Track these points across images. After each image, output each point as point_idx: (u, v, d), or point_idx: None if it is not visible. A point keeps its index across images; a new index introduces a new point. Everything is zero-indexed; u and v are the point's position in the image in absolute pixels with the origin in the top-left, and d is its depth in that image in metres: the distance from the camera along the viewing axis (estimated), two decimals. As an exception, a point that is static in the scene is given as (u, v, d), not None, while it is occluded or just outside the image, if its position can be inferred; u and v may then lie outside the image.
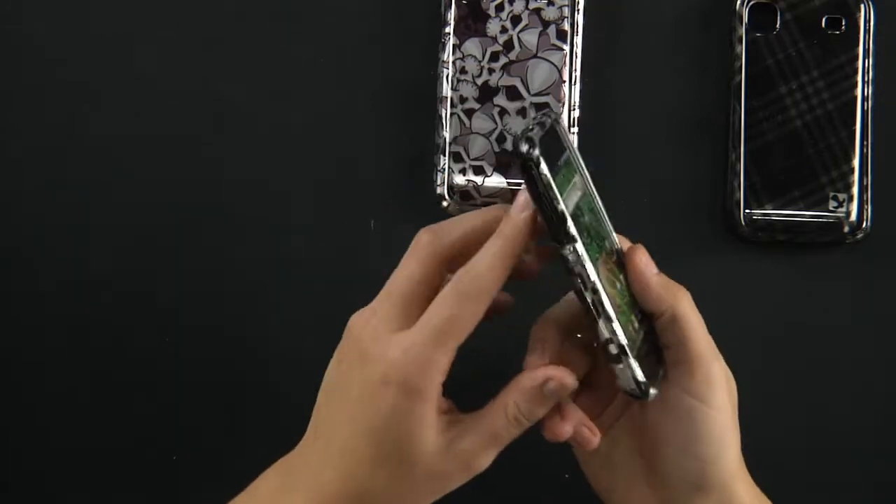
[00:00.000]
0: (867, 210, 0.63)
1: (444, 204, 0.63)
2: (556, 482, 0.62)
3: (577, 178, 0.49)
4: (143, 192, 0.64)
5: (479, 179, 0.62)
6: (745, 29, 0.63)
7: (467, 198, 0.62)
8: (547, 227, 0.48)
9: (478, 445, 0.49)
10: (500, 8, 0.62)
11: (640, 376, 0.49)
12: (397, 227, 0.64)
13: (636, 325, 0.50)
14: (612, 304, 0.48)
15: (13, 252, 0.65)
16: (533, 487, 0.63)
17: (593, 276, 0.48)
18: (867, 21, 0.63)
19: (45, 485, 0.65)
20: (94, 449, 0.64)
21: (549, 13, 0.62)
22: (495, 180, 0.62)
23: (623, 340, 0.49)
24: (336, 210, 0.64)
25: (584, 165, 0.50)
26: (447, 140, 0.62)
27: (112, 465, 0.64)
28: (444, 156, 0.62)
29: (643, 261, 0.51)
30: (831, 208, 0.63)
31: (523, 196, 0.48)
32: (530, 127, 0.48)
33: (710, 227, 0.64)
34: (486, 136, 0.62)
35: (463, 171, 0.62)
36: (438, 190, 0.63)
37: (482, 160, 0.62)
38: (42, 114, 0.65)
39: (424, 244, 0.49)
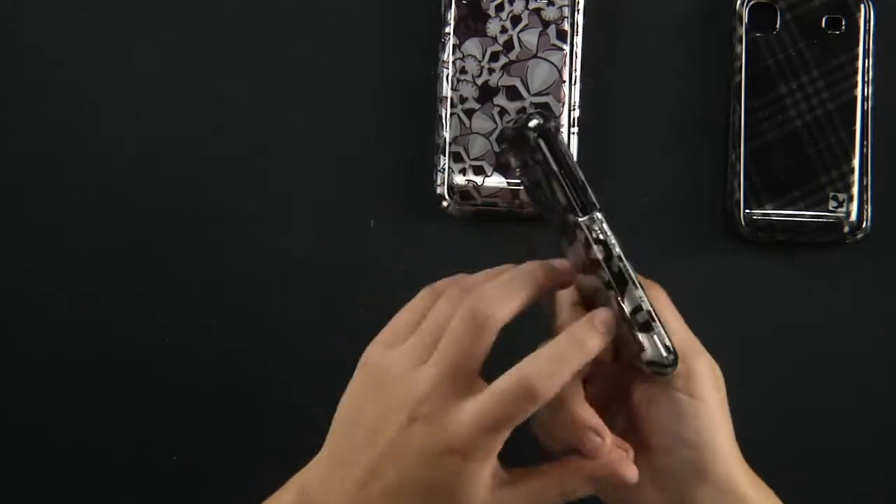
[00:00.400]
0: (867, 210, 0.63)
1: (444, 204, 0.63)
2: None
3: None
4: (143, 192, 0.64)
5: (479, 179, 0.62)
6: (745, 29, 0.63)
7: (467, 198, 0.62)
8: (566, 200, 0.48)
9: None
10: (500, 8, 0.62)
11: (669, 342, 0.49)
12: (397, 226, 0.64)
13: None
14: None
15: (13, 252, 0.65)
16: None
17: (617, 243, 0.48)
18: (867, 21, 0.63)
19: (46, 485, 0.64)
20: (94, 449, 0.64)
21: (549, 13, 0.62)
22: (495, 180, 0.62)
23: (649, 306, 0.48)
24: (336, 210, 0.64)
25: None
26: (447, 140, 0.62)
27: (112, 465, 0.64)
28: (444, 156, 0.62)
29: None
30: (831, 208, 0.63)
31: (608, 314, 0.48)
32: (523, 115, 0.48)
33: (710, 227, 0.64)
34: (486, 136, 0.62)
35: (463, 171, 0.62)
36: (438, 190, 0.63)
37: (482, 160, 0.62)
38: (42, 114, 0.65)
39: (492, 327, 0.48)
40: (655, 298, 0.50)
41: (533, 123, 0.47)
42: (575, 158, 0.47)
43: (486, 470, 0.48)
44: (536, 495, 0.50)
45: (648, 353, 0.49)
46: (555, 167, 0.47)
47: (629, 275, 0.48)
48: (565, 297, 0.52)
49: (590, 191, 0.47)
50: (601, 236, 0.48)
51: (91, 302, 0.64)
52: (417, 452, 0.48)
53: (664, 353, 0.49)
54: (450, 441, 0.47)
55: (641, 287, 0.48)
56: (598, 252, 0.48)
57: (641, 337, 0.49)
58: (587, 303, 0.52)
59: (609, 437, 0.51)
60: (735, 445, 0.52)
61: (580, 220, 0.48)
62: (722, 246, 0.64)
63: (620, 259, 0.48)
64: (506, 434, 0.48)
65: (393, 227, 0.64)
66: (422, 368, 0.49)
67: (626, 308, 0.48)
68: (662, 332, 0.49)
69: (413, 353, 0.49)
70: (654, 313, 0.48)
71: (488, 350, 0.49)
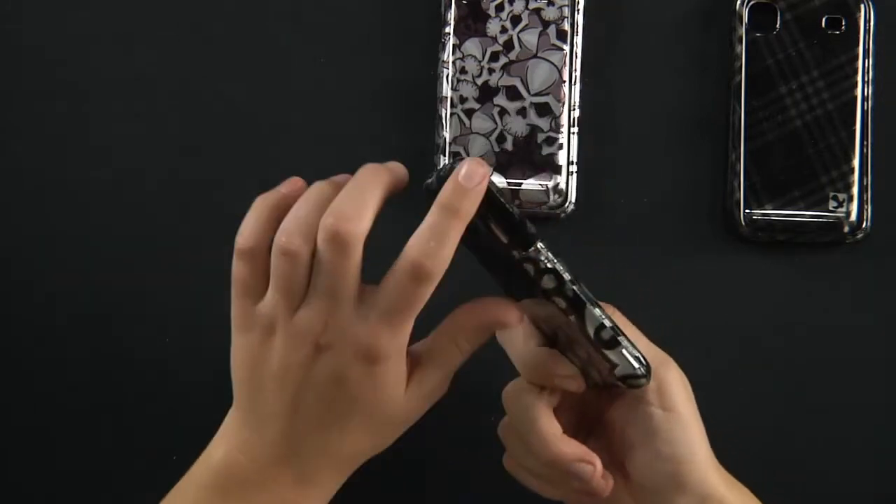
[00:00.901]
0: (867, 210, 0.63)
1: (444, 204, 0.63)
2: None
3: None
4: (142, 192, 0.64)
5: (479, 179, 0.62)
6: (745, 29, 0.63)
7: (467, 198, 0.62)
8: (508, 237, 0.47)
9: (440, 385, 0.51)
10: (500, 8, 0.62)
11: (638, 352, 0.49)
12: (397, 226, 0.64)
13: None
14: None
15: (13, 252, 0.65)
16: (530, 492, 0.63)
17: (565, 268, 0.48)
18: (867, 21, 0.63)
19: (45, 485, 0.64)
20: (93, 449, 0.64)
21: (549, 13, 0.63)
22: (495, 180, 0.62)
23: (611, 322, 0.48)
24: (336, 210, 0.64)
25: None
26: (447, 140, 0.62)
27: (112, 466, 0.64)
28: (444, 156, 0.62)
29: None
30: (831, 208, 0.63)
31: (470, 166, 0.47)
32: (446, 165, 0.48)
33: (710, 227, 0.64)
34: (486, 136, 0.62)
35: (463, 171, 0.62)
36: (438, 190, 0.63)
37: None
38: (42, 114, 0.65)
39: (358, 241, 0.49)
40: (612, 316, 0.50)
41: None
42: (506, 195, 0.46)
43: (402, 361, 0.49)
44: (448, 371, 0.51)
45: (620, 368, 0.49)
46: (490, 208, 0.47)
47: (585, 296, 0.48)
48: (528, 339, 0.52)
49: (528, 224, 0.47)
50: (549, 265, 0.47)
51: (91, 302, 0.64)
52: (332, 374, 0.48)
53: (636, 366, 0.49)
54: (362, 348, 0.48)
55: (598, 305, 0.48)
56: (549, 281, 0.48)
57: (610, 354, 0.48)
58: (551, 341, 0.51)
59: (599, 461, 0.51)
60: (709, 449, 0.52)
61: (526, 254, 0.47)
62: (722, 246, 0.64)
63: (573, 283, 0.48)
64: (411, 323, 0.48)
65: (392, 227, 0.64)
66: (307, 308, 0.49)
67: (590, 329, 0.48)
68: (629, 344, 0.49)
69: (287, 295, 0.49)
70: (617, 328, 0.48)
71: (360, 263, 0.49)
